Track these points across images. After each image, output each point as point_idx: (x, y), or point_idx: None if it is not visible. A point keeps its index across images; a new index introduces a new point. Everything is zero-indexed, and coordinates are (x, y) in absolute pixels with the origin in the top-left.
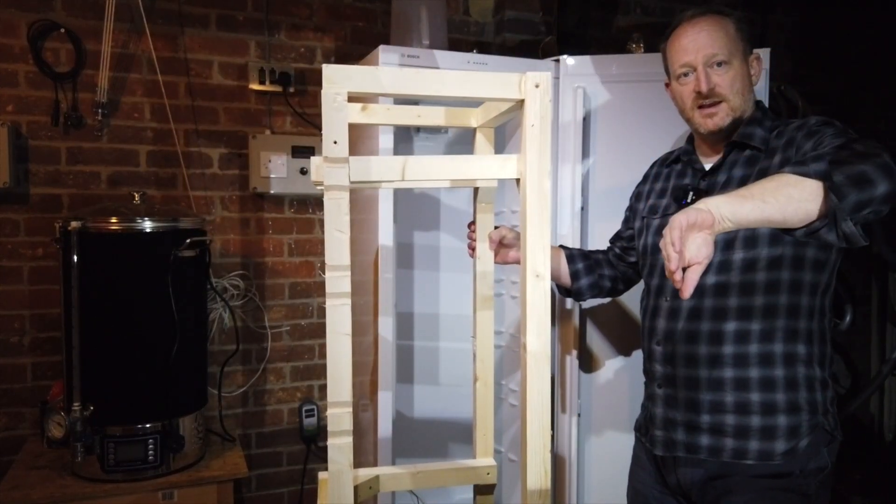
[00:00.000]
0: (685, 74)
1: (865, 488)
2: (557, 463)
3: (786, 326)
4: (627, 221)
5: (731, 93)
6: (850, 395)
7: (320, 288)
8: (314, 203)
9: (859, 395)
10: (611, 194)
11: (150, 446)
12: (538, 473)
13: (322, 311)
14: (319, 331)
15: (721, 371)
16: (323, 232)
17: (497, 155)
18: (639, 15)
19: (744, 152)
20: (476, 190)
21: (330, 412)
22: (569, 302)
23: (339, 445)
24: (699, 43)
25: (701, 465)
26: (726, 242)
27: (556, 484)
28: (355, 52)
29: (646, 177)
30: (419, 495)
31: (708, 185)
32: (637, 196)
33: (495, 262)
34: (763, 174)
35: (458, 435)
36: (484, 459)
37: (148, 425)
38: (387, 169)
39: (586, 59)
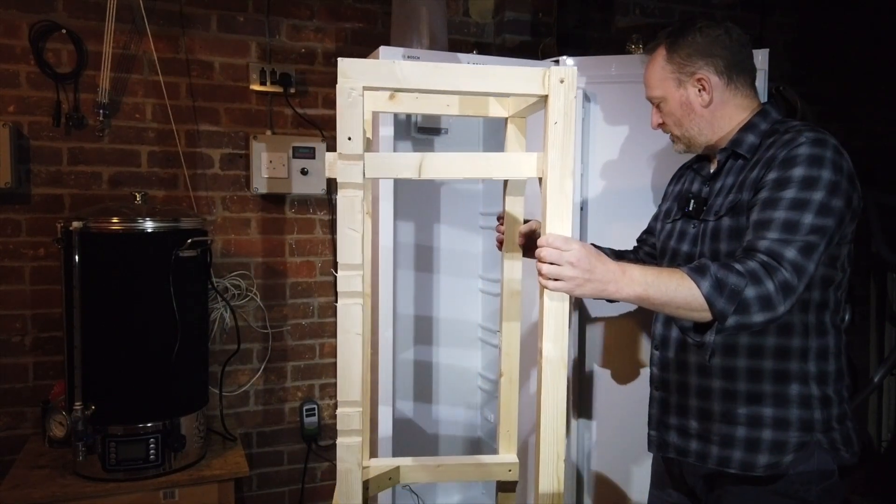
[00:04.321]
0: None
1: (865, 488)
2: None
3: (776, 343)
4: (656, 219)
5: (672, 126)
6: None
7: (321, 288)
8: (315, 203)
9: (858, 395)
10: (610, 194)
11: (152, 445)
12: (551, 483)
13: (323, 311)
14: (320, 330)
15: (709, 381)
16: (323, 232)
17: (517, 153)
18: (638, 16)
19: (737, 160)
20: (506, 182)
21: (340, 411)
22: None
23: (349, 444)
24: (644, 84)
25: (696, 467)
26: (715, 258)
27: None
28: (356, 52)
29: (672, 177)
30: (419, 494)
31: (707, 193)
32: (664, 196)
33: (524, 257)
34: (741, 186)
35: (458, 432)
36: (507, 455)
37: (149, 425)
38: (403, 166)
39: (585, 59)
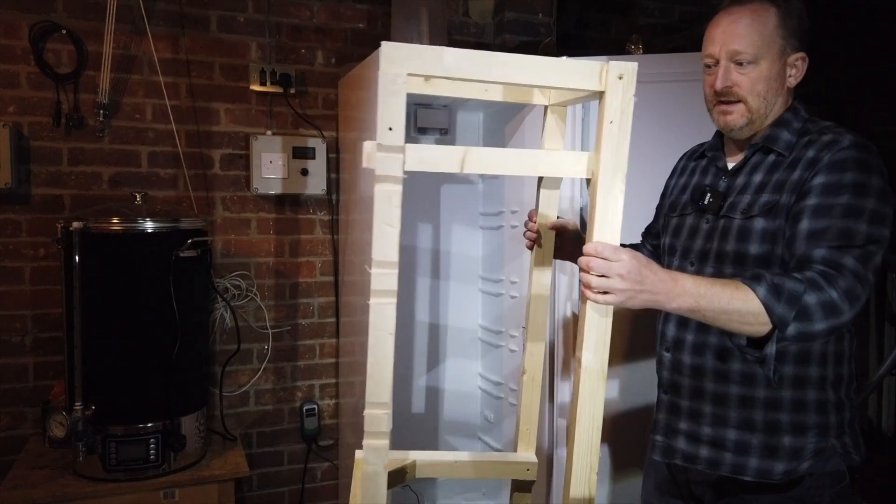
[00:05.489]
0: (708, 66)
1: (865, 488)
2: (557, 463)
3: (797, 349)
4: (657, 217)
5: (751, 94)
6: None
7: (321, 288)
8: (315, 203)
9: (858, 395)
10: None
11: (152, 446)
12: (583, 493)
13: (323, 311)
14: (320, 330)
15: (726, 387)
16: (323, 232)
17: (568, 151)
18: (637, 16)
19: (767, 156)
20: (540, 179)
21: (368, 413)
22: (570, 301)
23: (376, 447)
24: (727, 36)
25: (705, 474)
26: (739, 258)
27: (554, 483)
28: (355, 53)
29: (674, 170)
30: (419, 493)
31: (727, 187)
32: (664, 190)
33: (554, 258)
34: (780, 186)
35: (458, 431)
36: (526, 454)
37: (149, 425)
38: (445, 160)
39: (585, 59)
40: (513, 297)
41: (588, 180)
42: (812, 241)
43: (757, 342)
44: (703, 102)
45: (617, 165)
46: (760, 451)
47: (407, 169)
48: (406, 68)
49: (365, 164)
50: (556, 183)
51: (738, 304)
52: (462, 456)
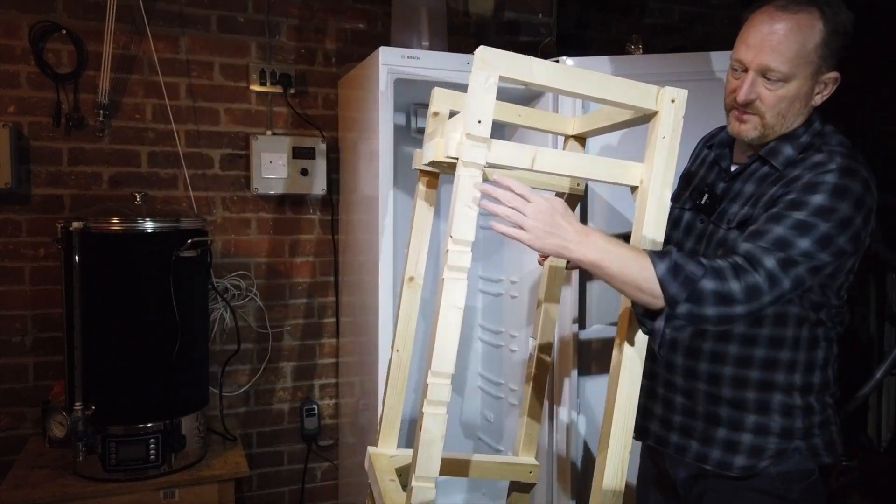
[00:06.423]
0: (735, 69)
1: (864, 487)
2: (558, 461)
3: (765, 355)
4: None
5: (771, 111)
6: (849, 395)
7: (321, 288)
8: (315, 203)
9: (858, 395)
10: (610, 203)
11: (152, 446)
12: (615, 473)
13: (323, 311)
14: (320, 330)
15: (694, 383)
16: (323, 232)
17: (621, 160)
18: (638, 16)
19: (763, 167)
20: (559, 196)
21: (430, 381)
22: (567, 293)
23: (435, 415)
24: (763, 47)
25: (680, 461)
26: None
27: (556, 481)
28: (356, 53)
29: (691, 154)
30: None
31: (724, 190)
32: (683, 172)
33: (566, 269)
34: (758, 199)
35: (457, 432)
36: (528, 458)
37: (149, 425)
38: (519, 156)
39: (585, 60)
40: (513, 297)
41: (633, 188)
42: (747, 239)
43: (652, 314)
44: (704, 103)
45: (666, 175)
46: (723, 445)
47: (488, 160)
48: (498, 71)
49: (449, 152)
50: (573, 203)
51: (636, 269)
52: (467, 456)
